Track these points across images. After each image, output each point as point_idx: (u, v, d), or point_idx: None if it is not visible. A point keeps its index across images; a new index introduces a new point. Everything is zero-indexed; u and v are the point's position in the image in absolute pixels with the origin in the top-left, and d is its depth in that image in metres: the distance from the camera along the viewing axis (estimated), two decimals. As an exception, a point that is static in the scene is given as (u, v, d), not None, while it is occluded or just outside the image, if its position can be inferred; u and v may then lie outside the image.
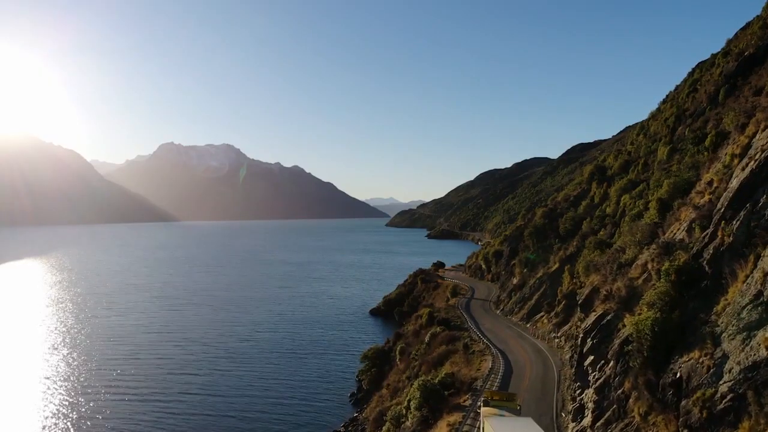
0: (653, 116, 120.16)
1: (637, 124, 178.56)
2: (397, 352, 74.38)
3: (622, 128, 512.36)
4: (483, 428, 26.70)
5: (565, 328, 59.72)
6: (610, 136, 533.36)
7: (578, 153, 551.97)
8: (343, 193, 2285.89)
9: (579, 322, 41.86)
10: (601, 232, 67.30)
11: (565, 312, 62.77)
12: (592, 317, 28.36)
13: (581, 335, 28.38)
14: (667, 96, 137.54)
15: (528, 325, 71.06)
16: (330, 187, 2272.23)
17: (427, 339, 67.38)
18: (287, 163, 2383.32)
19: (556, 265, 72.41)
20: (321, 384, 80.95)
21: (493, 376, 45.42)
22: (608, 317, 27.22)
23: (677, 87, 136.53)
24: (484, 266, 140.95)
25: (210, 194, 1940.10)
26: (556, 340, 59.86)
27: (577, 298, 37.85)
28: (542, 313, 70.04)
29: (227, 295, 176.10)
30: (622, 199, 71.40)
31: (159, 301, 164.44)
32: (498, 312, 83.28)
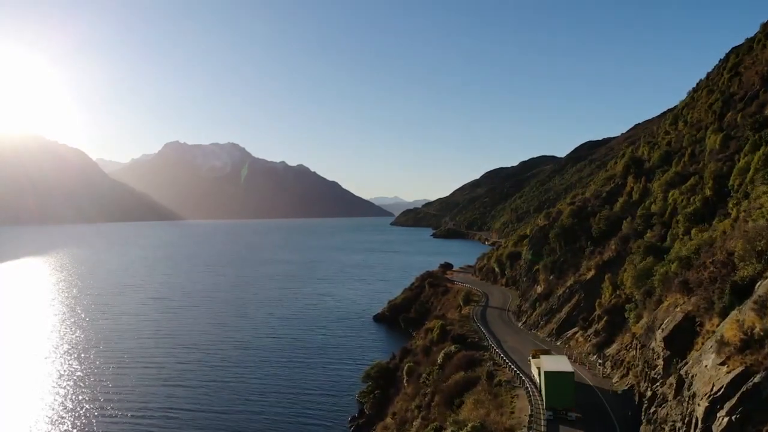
0: (687, 105, 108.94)
1: (667, 112, 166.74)
2: (404, 373, 64.03)
3: (630, 126, 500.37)
4: (539, 367, 41.67)
5: (611, 351, 48.98)
6: (619, 134, 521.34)
7: (587, 151, 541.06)
8: (348, 191, 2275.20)
9: (649, 355, 31.29)
10: (648, 234, 56.57)
11: (608, 330, 52.06)
12: (724, 375, 17.83)
13: (706, 404, 17.90)
14: (699, 84, 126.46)
15: (558, 344, 60.30)
16: (335, 185, 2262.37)
17: (440, 360, 56.89)
18: (292, 162, 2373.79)
19: (592, 273, 61.59)
20: (319, 402, 73.03)
21: (536, 426, 34.53)
22: (755, 379, 16.82)
23: (709, 75, 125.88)
24: (497, 269, 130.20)
25: (215, 193, 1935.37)
26: (600, 366, 49.21)
27: (658, 328, 27.24)
28: (576, 329, 59.31)
29: (226, 297, 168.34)
30: (671, 194, 60.68)
31: (154, 303, 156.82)
32: (520, 325, 72.50)
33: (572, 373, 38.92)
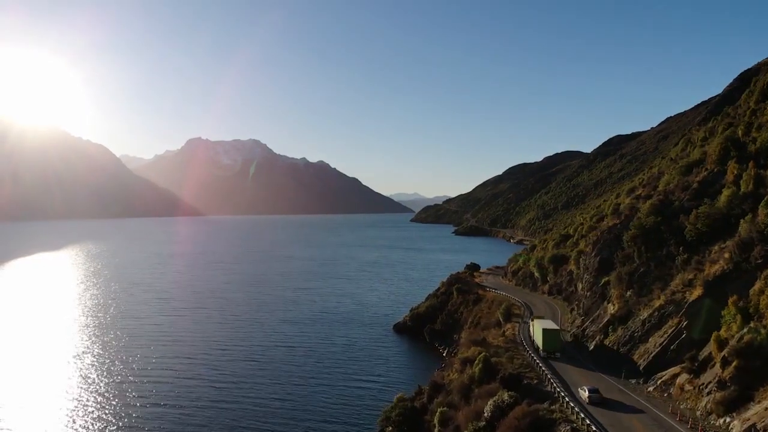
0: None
1: (702, 105, 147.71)
2: (435, 420, 48.17)
3: (661, 119, 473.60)
4: (533, 327, 64.42)
5: (758, 418, 32.01)
6: (649, 128, 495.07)
7: (615, 145, 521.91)
8: (368, 188, 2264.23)
9: None
10: (790, 239, 39.54)
11: (741, 381, 35.17)
12: None
13: None
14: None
15: (651, 389, 43.53)
16: (355, 182, 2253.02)
17: (487, 412, 40.83)
18: (313, 159, 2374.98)
19: (698, 291, 44.67)
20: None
21: None
22: None
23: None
24: (537, 274, 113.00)
25: (236, 189, 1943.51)
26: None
27: None
28: (677, 371, 42.50)
29: (238, 298, 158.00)
30: (812, 183, 43.29)
31: (159, 305, 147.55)
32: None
33: (558, 329, 59.76)
